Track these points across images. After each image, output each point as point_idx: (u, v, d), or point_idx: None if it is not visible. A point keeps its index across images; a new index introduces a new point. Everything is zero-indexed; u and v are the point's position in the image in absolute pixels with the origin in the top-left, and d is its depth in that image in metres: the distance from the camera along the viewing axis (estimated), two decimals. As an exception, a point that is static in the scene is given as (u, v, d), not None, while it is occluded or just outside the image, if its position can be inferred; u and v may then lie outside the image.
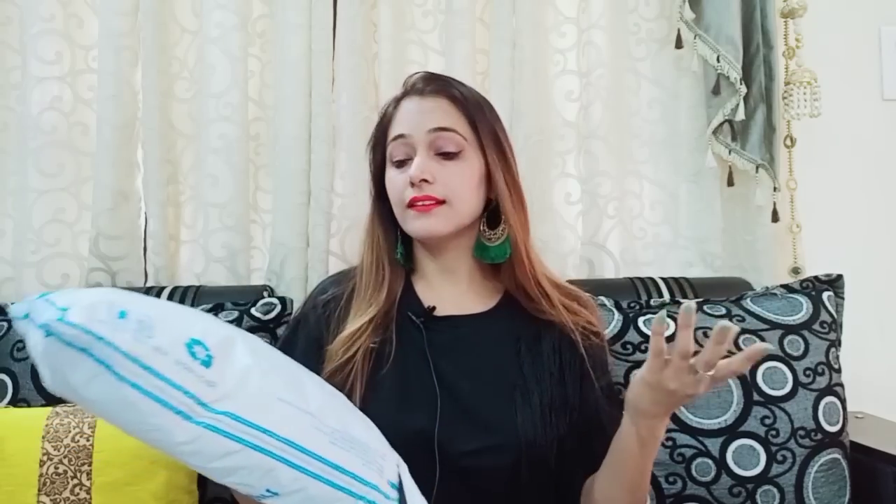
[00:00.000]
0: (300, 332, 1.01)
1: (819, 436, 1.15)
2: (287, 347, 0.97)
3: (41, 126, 1.42)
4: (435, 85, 0.99)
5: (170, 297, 1.34)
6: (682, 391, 0.75)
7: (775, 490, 1.12)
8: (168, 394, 0.66)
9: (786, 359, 1.19)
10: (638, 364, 1.10)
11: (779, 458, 1.13)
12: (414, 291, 1.01)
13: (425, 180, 0.93)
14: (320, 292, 1.04)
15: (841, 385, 1.21)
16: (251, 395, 0.71)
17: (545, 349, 0.97)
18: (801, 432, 1.15)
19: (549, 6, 1.55)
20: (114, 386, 0.65)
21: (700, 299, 1.30)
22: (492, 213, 0.99)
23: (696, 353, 0.74)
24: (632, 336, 1.21)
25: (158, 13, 1.44)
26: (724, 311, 1.24)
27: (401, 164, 0.97)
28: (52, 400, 1.16)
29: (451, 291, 1.00)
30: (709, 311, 1.24)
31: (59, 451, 1.01)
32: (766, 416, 1.15)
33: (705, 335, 1.22)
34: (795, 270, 1.56)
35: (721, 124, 1.49)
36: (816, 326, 1.22)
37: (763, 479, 1.13)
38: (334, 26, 1.46)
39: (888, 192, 1.64)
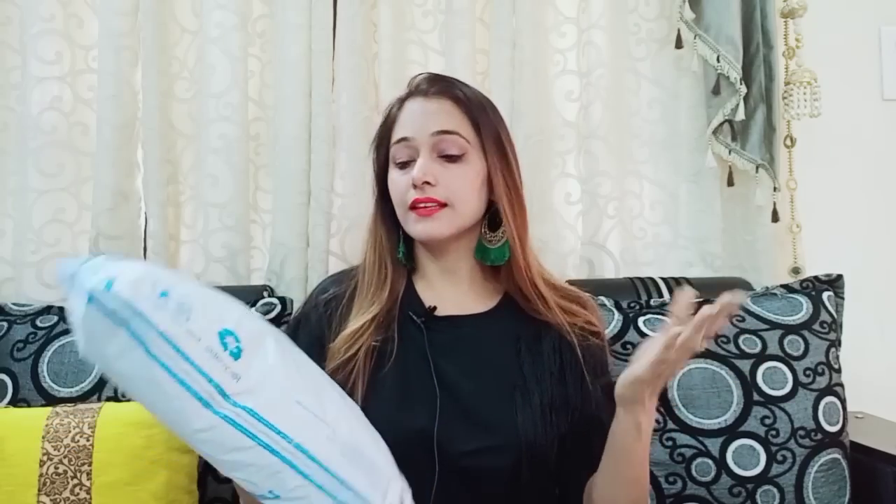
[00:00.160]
0: (301, 332, 1.01)
1: (819, 436, 1.15)
2: (288, 347, 0.97)
3: (41, 126, 1.42)
4: (439, 86, 0.99)
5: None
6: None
7: (775, 490, 1.12)
8: (193, 379, 0.67)
9: (786, 359, 1.19)
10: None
11: (779, 458, 1.13)
12: (415, 291, 1.01)
13: (428, 182, 0.93)
14: (321, 292, 1.04)
15: (841, 385, 1.21)
16: (272, 395, 0.71)
17: (545, 349, 0.97)
18: (801, 432, 1.15)
19: (549, 6, 1.55)
20: (144, 363, 0.66)
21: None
22: (493, 215, 0.99)
23: None
24: (632, 336, 1.21)
25: (158, 13, 1.44)
26: (724, 311, 1.24)
27: (404, 165, 0.97)
28: (51, 400, 1.16)
29: (452, 292, 1.00)
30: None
31: (59, 451, 1.01)
32: (766, 416, 1.15)
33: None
34: (795, 270, 1.56)
35: (721, 124, 1.49)
36: (816, 326, 1.22)
37: (763, 479, 1.13)
38: (334, 26, 1.46)
39: (888, 192, 1.64)
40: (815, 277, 1.30)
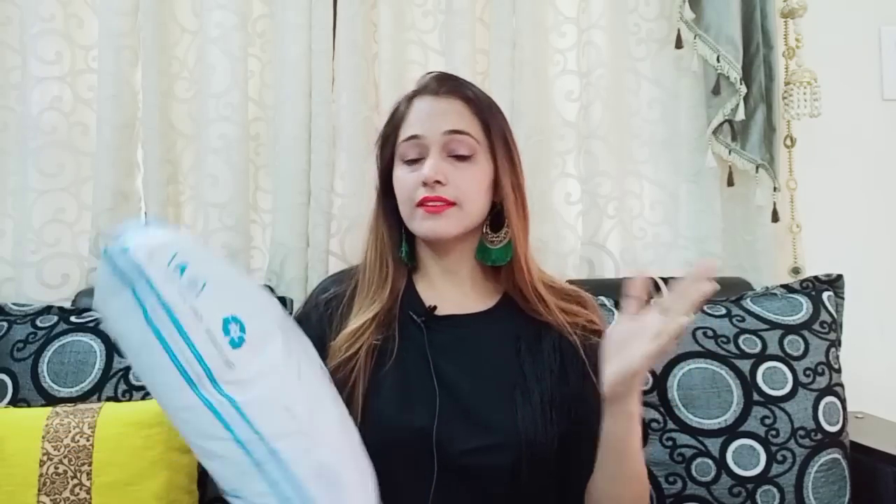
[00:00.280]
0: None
1: (819, 436, 1.15)
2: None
3: (41, 126, 1.42)
4: (449, 85, 0.99)
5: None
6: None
7: (775, 490, 1.12)
8: (184, 356, 0.67)
9: (786, 359, 1.19)
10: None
11: (779, 458, 1.13)
12: (415, 290, 1.01)
13: (438, 181, 0.93)
14: (321, 291, 1.04)
15: (841, 385, 1.21)
16: (261, 393, 0.71)
17: (545, 348, 0.97)
18: (801, 432, 1.15)
19: (549, 6, 1.55)
20: (141, 327, 0.67)
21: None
22: (495, 216, 1.00)
23: None
24: (632, 336, 1.21)
25: (158, 13, 1.44)
26: (724, 310, 1.24)
27: (412, 162, 0.97)
28: (51, 400, 1.16)
29: (453, 291, 1.00)
30: (709, 311, 1.24)
31: (59, 451, 1.01)
32: (766, 416, 1.15)
33: (705, 335, 1.22)
34: (795, 270, 1.56)
35: (721, 124, 1.49)
36: (816, 326, 1.22)
37: (763, 479, 1.13)
38: (334, 26, 1.46)
39: (888, 192, 1.64)
40: (815, 277, 1.30)
